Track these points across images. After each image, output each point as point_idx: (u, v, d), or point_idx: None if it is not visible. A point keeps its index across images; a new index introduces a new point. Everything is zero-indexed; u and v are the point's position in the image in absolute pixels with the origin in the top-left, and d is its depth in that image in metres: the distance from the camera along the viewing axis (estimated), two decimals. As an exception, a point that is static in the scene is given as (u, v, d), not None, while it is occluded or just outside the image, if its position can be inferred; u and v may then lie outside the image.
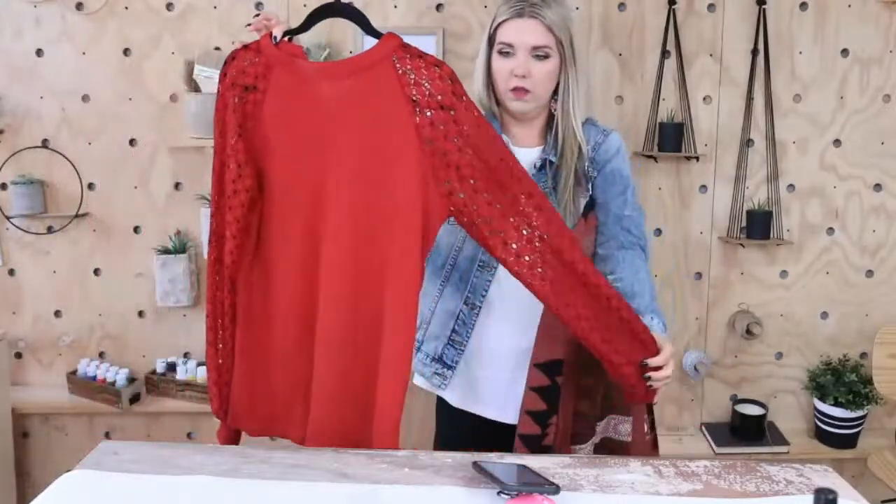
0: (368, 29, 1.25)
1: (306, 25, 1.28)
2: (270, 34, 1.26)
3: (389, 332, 1.23)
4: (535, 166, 1.55)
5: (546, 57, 1.50)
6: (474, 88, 1.58)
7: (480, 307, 1.58)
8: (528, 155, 1.57)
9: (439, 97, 1.16)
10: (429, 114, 1.17)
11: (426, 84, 1.16)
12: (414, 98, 1.17)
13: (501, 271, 1.54)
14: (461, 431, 1.67)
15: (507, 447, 1.52)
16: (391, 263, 1.22)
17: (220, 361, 1.38)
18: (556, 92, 1.55)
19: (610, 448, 1.57)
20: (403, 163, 1.18)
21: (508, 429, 1.57)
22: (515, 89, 1.50)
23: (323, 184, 1.24)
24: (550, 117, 1.58)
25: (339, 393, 1.28)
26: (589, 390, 1.54)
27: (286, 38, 1.27)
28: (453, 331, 1.60)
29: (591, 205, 1.58)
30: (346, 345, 1.27)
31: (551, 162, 1.55)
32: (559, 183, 1.53)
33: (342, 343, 1.27)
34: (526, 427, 1.52)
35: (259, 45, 1.25)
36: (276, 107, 1.24)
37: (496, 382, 1.60)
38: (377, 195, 1.21)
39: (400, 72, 1.16)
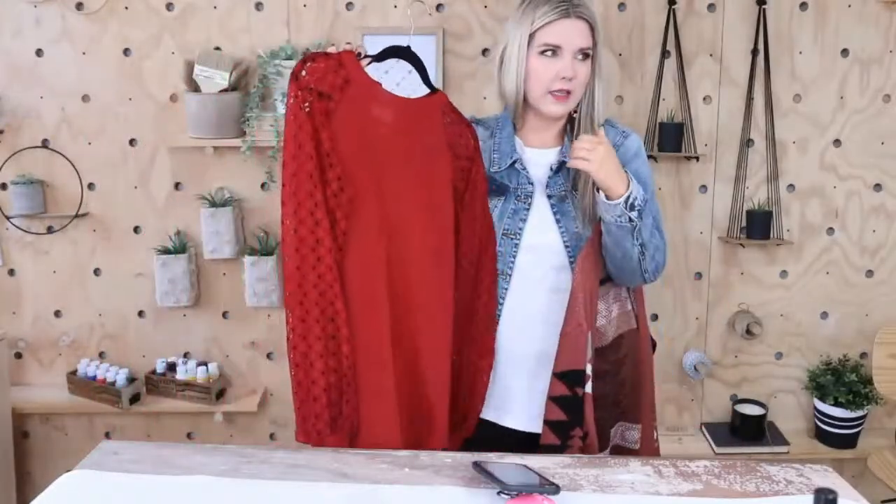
0: (426, 79, 1.47)
1: (381, 57, 1.44)
2: (356, 52, 1.35)
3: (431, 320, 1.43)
4: (551, 168, 1.53)
5: (587, 57, 1.47)
6: (505, 89, 1.53)
7: (499, 316, 1.54)
8: (544, 156, 1.55)
9: (465, 151, 1.47)
10: (458, 160, 1.46)
11: (460, 136, 1.47)
12: (451, 144, 1.46)
13: (515, 279, 1.53)
14: (478, 440, 1.58)
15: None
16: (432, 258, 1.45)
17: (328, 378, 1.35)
18: None
19: (619, 455, 1.55)
20: (442, 186, 1.45)
21: (525, 437, 1.55)
22: (558, 91, 1.47)
23: (378, 192, 1.39)
24: (568, 119, 1.55)
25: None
26: (603, 398, 1.51)
27: (366, 61, 1.39)
28: None
29: None
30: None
31: None
32: (578, 185, 1.50)
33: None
34: (546, 438, 1.48)
35: (342, 57, 1.33)
36: (344, 120, 1.32)
37: (513, 391, 1.56)
38: (427, 206, 1.44)
39: (446, 121, 1.45)
